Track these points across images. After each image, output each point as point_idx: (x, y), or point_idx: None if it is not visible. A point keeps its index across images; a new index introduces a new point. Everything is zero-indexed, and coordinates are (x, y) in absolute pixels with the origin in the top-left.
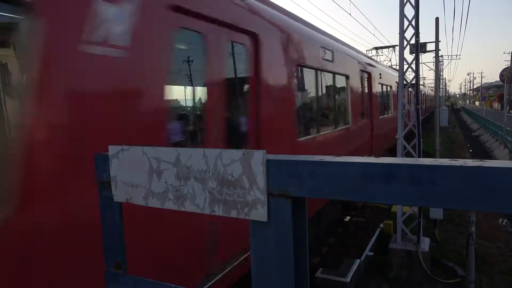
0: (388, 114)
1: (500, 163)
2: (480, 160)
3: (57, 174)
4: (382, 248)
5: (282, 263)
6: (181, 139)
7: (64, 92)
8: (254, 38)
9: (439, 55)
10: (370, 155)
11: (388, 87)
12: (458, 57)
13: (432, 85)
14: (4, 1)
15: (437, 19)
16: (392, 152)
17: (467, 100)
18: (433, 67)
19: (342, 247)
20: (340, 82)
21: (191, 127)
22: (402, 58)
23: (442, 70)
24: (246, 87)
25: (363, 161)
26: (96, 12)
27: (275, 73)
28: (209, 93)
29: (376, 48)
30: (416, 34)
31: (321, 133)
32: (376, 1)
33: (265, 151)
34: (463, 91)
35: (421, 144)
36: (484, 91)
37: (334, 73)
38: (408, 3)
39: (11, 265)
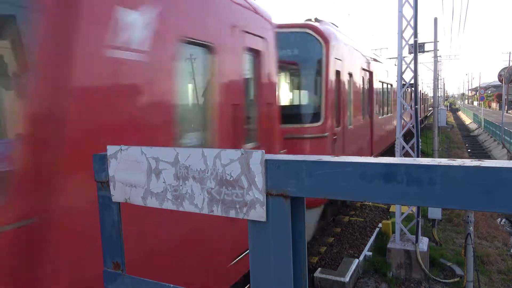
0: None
1: (499, 163)
2: (479, 160)
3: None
4: (381, 248)
5: (281, 262)
6: None
7: None
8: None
9: (438, 55)
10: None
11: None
12: (456, 57)
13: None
14: None
15: (435, 19)
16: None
17: (466, 100)
18: (432, 67)
19: (340, 247)
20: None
21: None
22: (401, 58)
23: (441, 70)
24: None
25: (361, 161)
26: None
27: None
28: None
29: None
30: (415, 34)
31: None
32: (375, 2)
33: (263, 151)
34: (461, 91)
35: (420, 144)
36: (482, 91)
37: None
38: (406, 3)
39: None
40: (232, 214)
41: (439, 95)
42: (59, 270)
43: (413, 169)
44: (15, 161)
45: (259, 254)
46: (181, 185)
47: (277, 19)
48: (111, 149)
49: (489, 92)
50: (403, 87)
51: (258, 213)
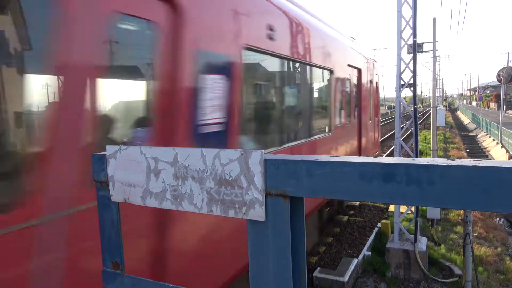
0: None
1: (497, 163)
2: (477, 160)
3: None
4: (380, 247)
5: (280, 262)
6: None
7: None
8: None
9: (437, 55)
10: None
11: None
12: (455, 57)
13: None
14: None
15: (434, 20)
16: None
17: (464, 100)
18: (431, 68)
19: (340, 247)
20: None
21: None
22: (399, 59)
23: (439, 70)
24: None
25: (360, 161)
26: None
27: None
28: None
29: None
30: (414, 34)
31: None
32: (374, 2)
33: (263, 151)
34: (460, 91)
35: (418, 144)
36: (481, 91)
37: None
38: (405, 3)
39: None
40: (231, 214)
41: (438, 95)
42: None
43: (412, 169)
44: None
45: (258, 254)
46: (180, 185)
47: None
48: (110, 149)
49: (488, 92)
50: (402, 87)
51: (257, 213)
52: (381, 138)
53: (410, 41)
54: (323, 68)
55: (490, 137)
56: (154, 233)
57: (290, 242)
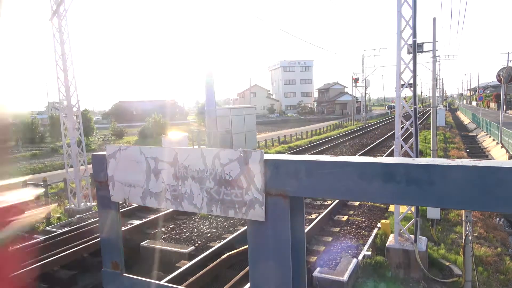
0: None
1: (497, 163)
2: (477, 160)
3: None
4: (380, 247)
5: (280, 262)
6: None
7: None
8: None
9: (437, 55)
10: None
11: None
12: (455, 57)
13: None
14: None
15: (434, 20)
16: None
17: (464, 100)
18: (431, 68)
19: (339, 247)
20: None
21: None
22: (399, 59)
23: (439, 70)
24: None
25: (360, 161)
26: None
27: None
28: None
29: None
30: (414, 34)
31: None
32: (374, 2)
33: (262, 150)
34: (460, 91)
35: (418, 144)
36: (481, 91)
37: None
38: (405, 3)
39: None
40: (231, 214)
41: (438, 95)
42: None
43: (412, 169)
44: None
45: (258, 254)
46: (180, 185)
47: None
48: (110, 149)
49: (488, 92)
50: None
51: (257, 213)
52: (380, 138)
53: (410, 41)
54: None
55: (490, 137)
56: None
57: (290, 242)
